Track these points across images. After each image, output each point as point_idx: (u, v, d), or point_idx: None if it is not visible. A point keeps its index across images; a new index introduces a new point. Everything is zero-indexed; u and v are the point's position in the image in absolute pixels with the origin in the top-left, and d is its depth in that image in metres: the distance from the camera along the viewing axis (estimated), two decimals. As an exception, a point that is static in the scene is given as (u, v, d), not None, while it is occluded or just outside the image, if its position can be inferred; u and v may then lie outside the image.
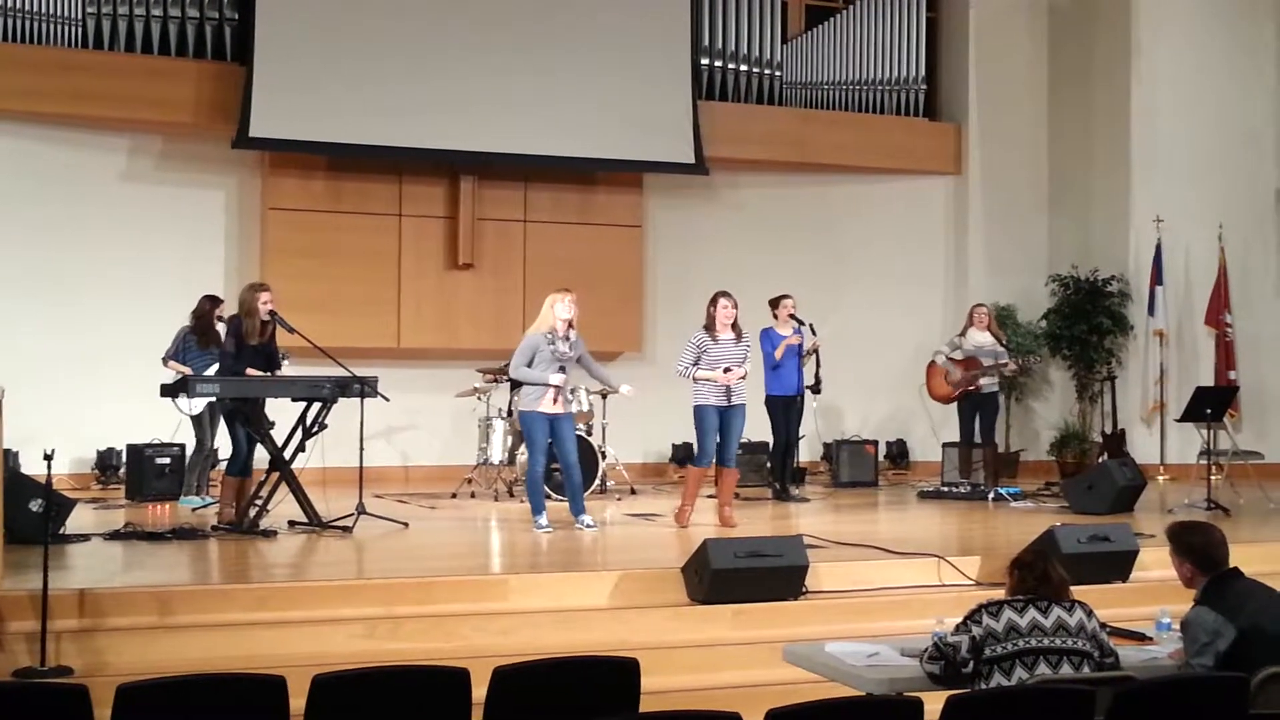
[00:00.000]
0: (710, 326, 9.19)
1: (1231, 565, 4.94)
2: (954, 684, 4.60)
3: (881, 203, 14.82)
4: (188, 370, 10.11)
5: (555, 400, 8.89)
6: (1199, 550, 4.93)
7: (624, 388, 9.58)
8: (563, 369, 8.90)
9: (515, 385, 11.52)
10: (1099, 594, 6.25)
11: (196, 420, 10.49)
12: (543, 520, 8.83)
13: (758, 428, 11.67)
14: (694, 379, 9.11)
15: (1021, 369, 12.60)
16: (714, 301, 9.26)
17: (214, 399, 9.73)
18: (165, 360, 10.42)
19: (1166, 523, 8.35)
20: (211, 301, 10.60)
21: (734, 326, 9.23)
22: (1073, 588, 4.86)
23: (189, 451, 10.90)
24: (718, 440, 9.18)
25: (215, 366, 9.95)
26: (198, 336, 10.46)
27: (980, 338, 11.80)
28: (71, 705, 3.97)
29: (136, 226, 12.50)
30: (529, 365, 8.88)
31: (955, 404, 11.91)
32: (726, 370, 9.02)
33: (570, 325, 8.97)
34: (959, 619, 4.84)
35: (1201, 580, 4.89)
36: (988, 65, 14.84)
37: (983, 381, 11.61)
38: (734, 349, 9.15)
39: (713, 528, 8.94)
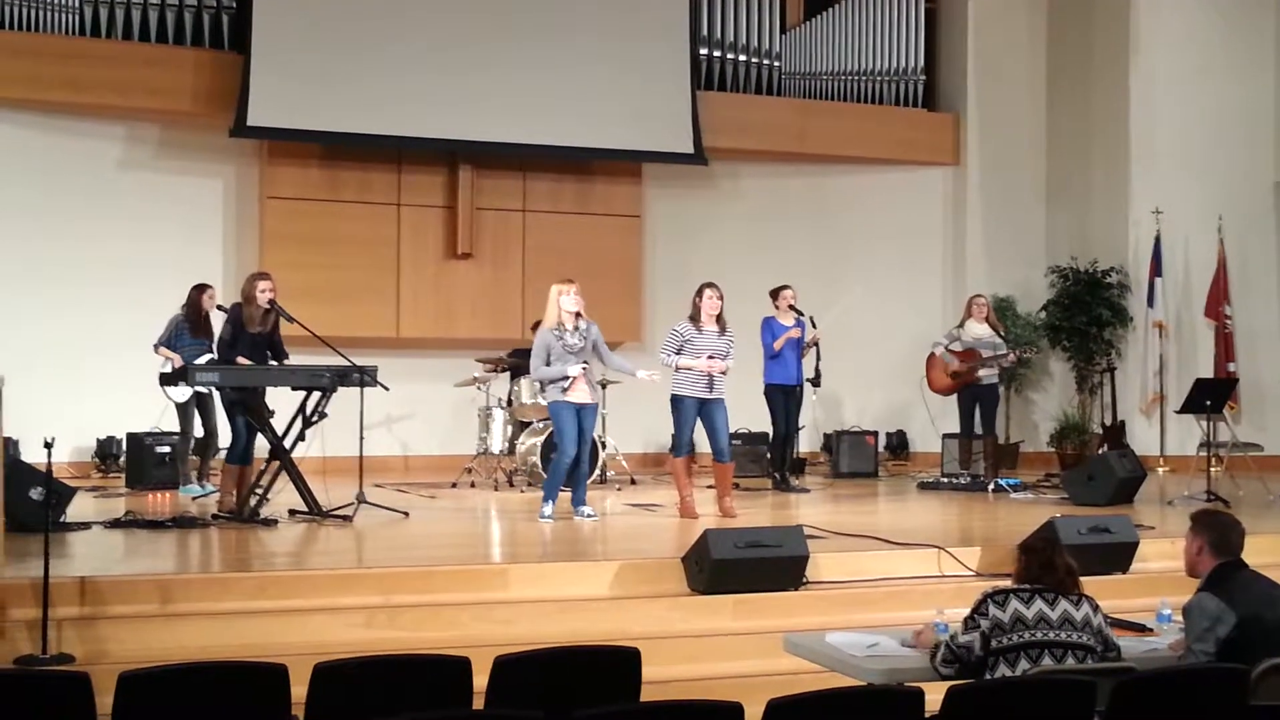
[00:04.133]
0: (695, 317, 9.19)
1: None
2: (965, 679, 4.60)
3: (880, 193, 14.81)
4: (177, 358, 10.12)
5: (580, 389, 8.90)
6: (1218, 529, 4.94)
7: (640, 373, 9.51)
8: (582, 361, 8.92)
9: (515, 375, 11.56)
10: (1099, 585, 6.23)
11: (181, 408, 10.50)
12: (548, 510, 8.84)
13: (757, 418, 11.68)
14: (675, 368, 9.12)
15: (1020, 360, 12.59)
16: (699, 293, 9.25)
17: (199, 387, 9.74)
18: (156, 347, 10.43)
19: (1166, 514, 8.36)
20: (199, 289, 10.60)
21: (719, 319, 9.22)
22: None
23: (177, 440, 10.90)
24: (706, 434, 9.20)
25: (206, 356, 9.96)
26: (190, 325, 10.47)
27: (978, 329, 11.79)
28: (73, 693, 3.97)
29: (134, 215, 12.49)
30: (546, 364, 8.90)
31: (955, 395, 11.91)
32: (710, 358, 9.03)
33: (579, 315, 8.98)
34: (960, 610, 4.84)
35: (1208, 564, 4.89)
36: (987, 56, 14.84)
37: (982, 373, 11.61)
38: (717, 341, 9.15)
39: (713, 518, 8.94)
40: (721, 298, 9.24)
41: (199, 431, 10.70)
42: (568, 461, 8.94)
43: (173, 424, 10.79)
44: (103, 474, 11.91)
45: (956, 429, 12.02)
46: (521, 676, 4.33)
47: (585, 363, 8.97)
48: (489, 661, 4.32)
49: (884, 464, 13.52)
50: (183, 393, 10.28)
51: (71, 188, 12.35)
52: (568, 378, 8.86)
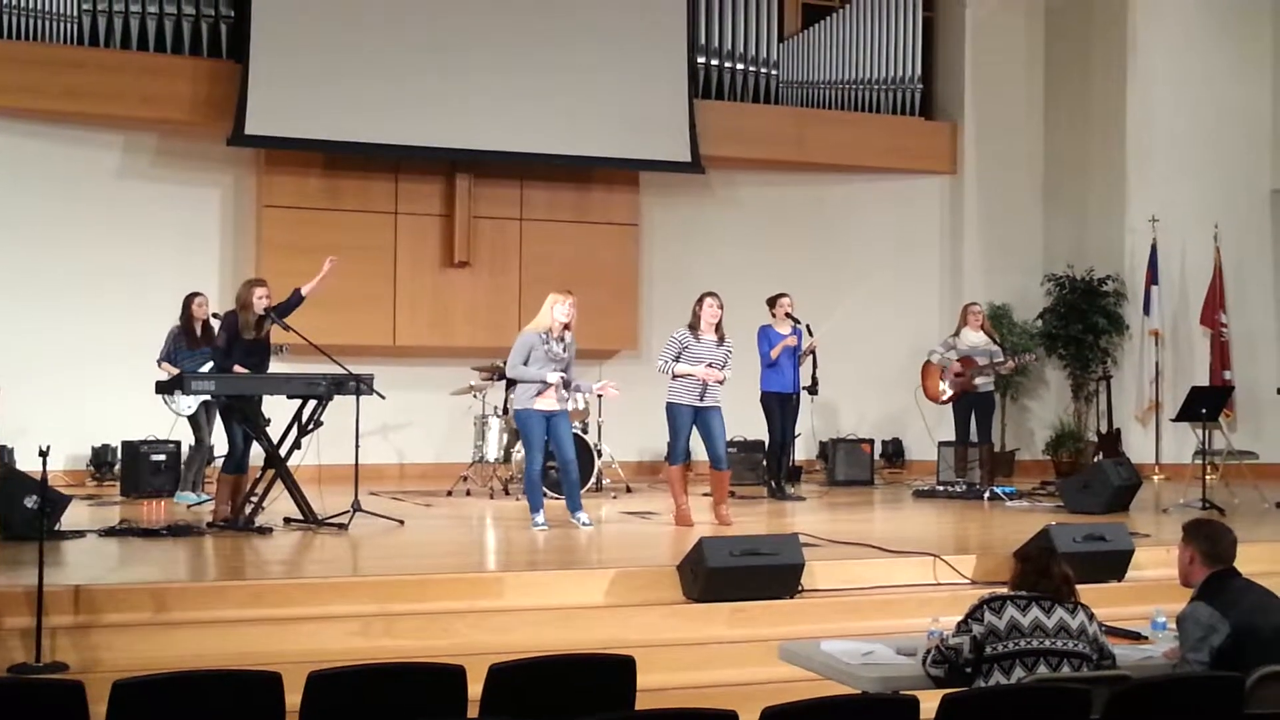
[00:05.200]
0: (694, 325, 9.20)
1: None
2: (956, 683, 4.60)
3: (877, 202, 14.83)
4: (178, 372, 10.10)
5: (550, 396, 8.88)
6: (1209, 538, 4.95)
7: (595, 386, 9.45)
8: (560, 368, 8.91)
9: (511, 383, 11.55)
10: (1094, 593, 6.24)
11: (193, 420, 10.46)
12: (539, 518, 8.82)
13: (754, 426, 11.69)
14: (673, 375, 9.13)
15: (1018, 368, 12.59)
16: (700, 301, 9.28)
17: (207, 397, 9.74)
18: (159, 363, 10.42)
19: (1162, 522, 8.35)
20: (190, 298, 10.58)
21: (717, 328, 9.23)
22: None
23: (185, 449, 10.89)
24: (702, 442, 9.22)
25: (207, 365, 9.95)
26: (187, 336, 10.45)
27: (974, 337, 11.81)
28: (67, 701, 3.96)
29: (132, 224, 12.48)
30: (525, 364, 8.88)
31: (951, 403, 11.91)
32: (708, 366, 9.03)
33: (566, 328, 8.97)
34: (955, 618, 4.84)
35: (1200, 573, 4.90)
36: (984, 65, 14.86)
37: (978, 381, 11.61)
38: (715, 350, 9.18)
39: (709, 526, 8.94)
40: (722, 307, 9.25)
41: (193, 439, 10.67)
42: (537, 469, 8.92)
43: (178, 434, 10.76)
44: (98, 482, 11.89)
45: (952, 437, 12.03)
46: (516, 685, 4.33)
47: (563, 373, 8.94)
48: (484, 670, 4.32)
49: (880, 472, 13.53)
50: (189, 404, 10.24)
51: (69, 196, 12.34)
52: (544, 383, 8.83)
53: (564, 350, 8.94)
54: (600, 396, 11.02)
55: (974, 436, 11.76)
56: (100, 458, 12.08)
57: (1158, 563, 7.81)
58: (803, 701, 3.96)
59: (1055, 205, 14.86)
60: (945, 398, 11.77)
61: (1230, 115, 14.05)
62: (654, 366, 9.59)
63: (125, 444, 11.16)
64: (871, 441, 13.20)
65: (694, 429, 9.23)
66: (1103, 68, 14.32)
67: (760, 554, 6.96)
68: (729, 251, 13.99)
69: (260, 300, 8.98)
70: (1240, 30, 14.23)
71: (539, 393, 8.83)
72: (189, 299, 10.57)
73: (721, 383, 9.17)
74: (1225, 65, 14.09)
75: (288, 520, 8.84)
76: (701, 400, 9.12)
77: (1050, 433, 14.28)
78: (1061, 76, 14.86)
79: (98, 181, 12.50)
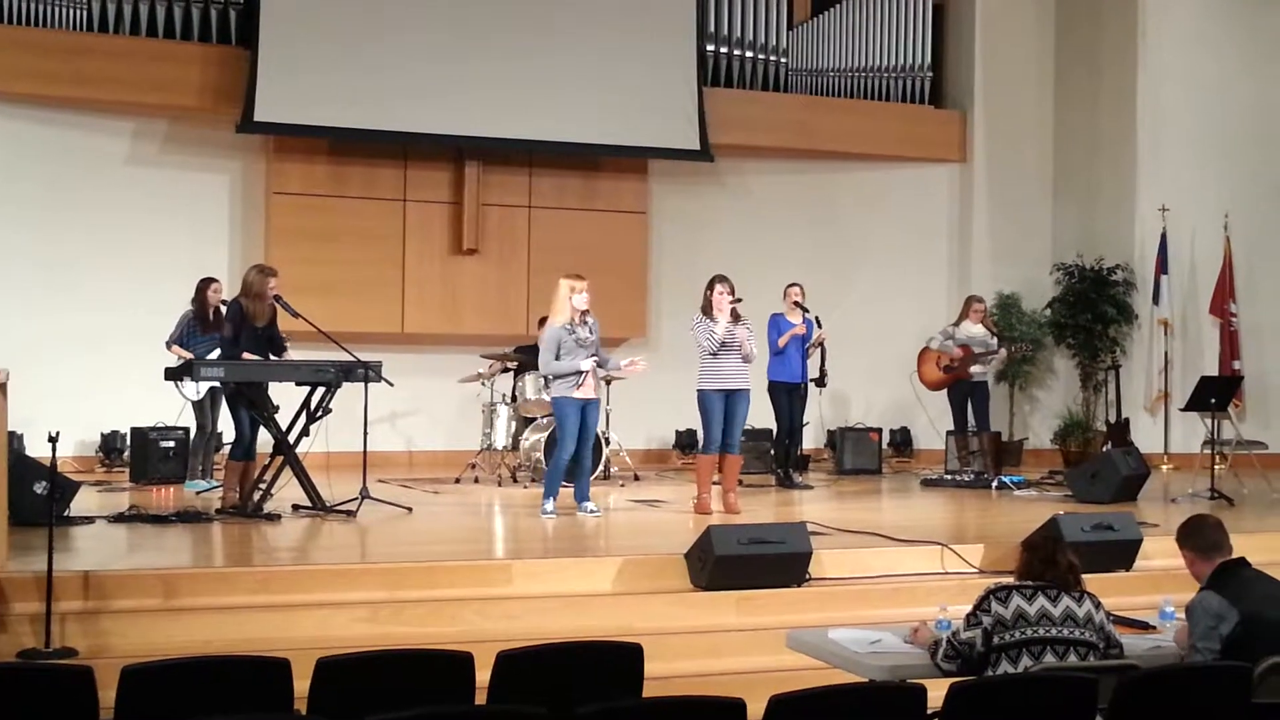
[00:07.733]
0: (707, 310, 9.19)
1: (1236, 555, 4.96)
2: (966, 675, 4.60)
3: (886, 190, 14.80)
4: (189, 355, 10.11)
5: (588, 384, 8.90)
6: (1196, 533, 4.98)
7: (623, 363, 9.48)
8: (591, 355, 8.94)
9: (519, 372, 11.57)
10: (1102, 583, 6.24)
11: (198, 405, 10.48)
12: (550, 506, 8.85)
13: (761, 414, 11.67)
14: (719, 344, 9.05)
15: (1012, 357, 12.55)
16: (710, 286, 9.25)
17: (214, 384, 9.76)
18: (169, 345, 10.43)
19: (1170, 512, 8.35)
20: (206, 284, 10.59)
21: (731, 311, 9.20)
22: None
23: (193, 435, 10.91)
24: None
25: (215, 353, 9.95)
26: (200, 321, 10.46)
27: (974, 329, 11.83)
28: (76, 686, 3.98)
29: (141, 210, 12.49)
30: (557, 358, 8.91)
31: (946, 392, 11.90)
32: (733, 302, 9.02)
33: (586, 312, 9.00)
34: (963, 607, 4.84)
35: (1205, 568, 4.91)
36: (994, 53, 14.81)
37: (973, 369, 11.62)
38: (734, 330, 9.15)
39: (716, 514, 8.94)
40: (733, 291, 9.21)
41: (215, 427, 10.67)
42: (567, 458, 8.95)
43: (187, 420, 10.77)
44: (107, 468, 11.92)
45: (954, 426, 12.03)
46: (524, 672, 4.34)
47: (595, 355, 8.98)
48: (492, 657, 4.33)
49: (888, 461, 13.52)
50: (197, 390, 10.25)
51: (78, 183, 12.34)
52: (580, 372, 8.86)
53: (590, 334, 8.97)
54: (605, 382, 11.09)
55: (972, 425, 11.75)
56: (109, 444, 12.11)
57: (1166, 552, 7.76)
58: (810, 690, 3.96)
59: (1065, 194, 14.83)
60: (941, 373, 11.74)
61: (1240, 104, 14.00)
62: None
63: (134, 430, 11.19)
64: (879, 430, 13.19)
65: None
66: (1113, 56, 14.27)
67: (768, 542, 6.96)
68: (737, 239, 13.97)
69: (271, 290, 8.98)
70: (1250, 18, 14.17)
71: (578, 383, 8.87)
72: (204, 284, 10.57)
73: (749, 360, 9.14)
74: (1236, 54, 14.04)
75: (296, 507, 8.84)
76: (730, 384, 9.10)
77: (1059, 422, 14.27)
78: (1071, 64, 14.82)
79: (107, 168, 12.50)
